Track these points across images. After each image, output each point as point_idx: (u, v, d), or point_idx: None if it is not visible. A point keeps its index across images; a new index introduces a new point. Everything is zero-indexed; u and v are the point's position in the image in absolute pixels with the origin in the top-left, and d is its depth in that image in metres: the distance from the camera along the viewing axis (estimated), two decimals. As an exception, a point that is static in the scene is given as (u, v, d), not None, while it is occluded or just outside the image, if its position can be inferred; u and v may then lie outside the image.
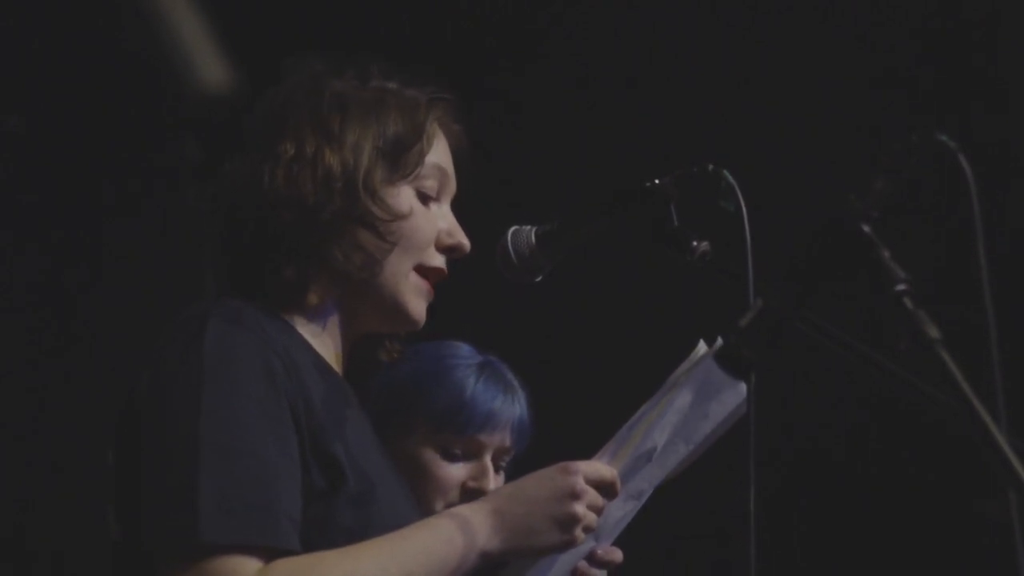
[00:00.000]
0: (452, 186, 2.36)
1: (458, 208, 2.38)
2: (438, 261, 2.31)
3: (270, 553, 2.02)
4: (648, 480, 2.32)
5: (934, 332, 1.78)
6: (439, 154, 2.33)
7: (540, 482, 2.19)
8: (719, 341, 2.28)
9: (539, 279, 2.37)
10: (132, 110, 3.61)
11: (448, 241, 2.32)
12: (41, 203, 3.80)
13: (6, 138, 3.71)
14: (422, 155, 2.30)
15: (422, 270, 2.30)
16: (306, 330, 2.25)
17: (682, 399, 2.31)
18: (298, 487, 2.07)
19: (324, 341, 2.27)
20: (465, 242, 2.34)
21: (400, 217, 2.25)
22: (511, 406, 2.83)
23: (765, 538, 2.13)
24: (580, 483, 2.18)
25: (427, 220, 2.30)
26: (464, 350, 2.88)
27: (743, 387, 2.29)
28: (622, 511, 2.33)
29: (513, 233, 2.36)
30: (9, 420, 3.83)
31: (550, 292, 2.44)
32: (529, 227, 2.36)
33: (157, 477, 2.05)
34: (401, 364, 2.85)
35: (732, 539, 2.14)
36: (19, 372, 3.85)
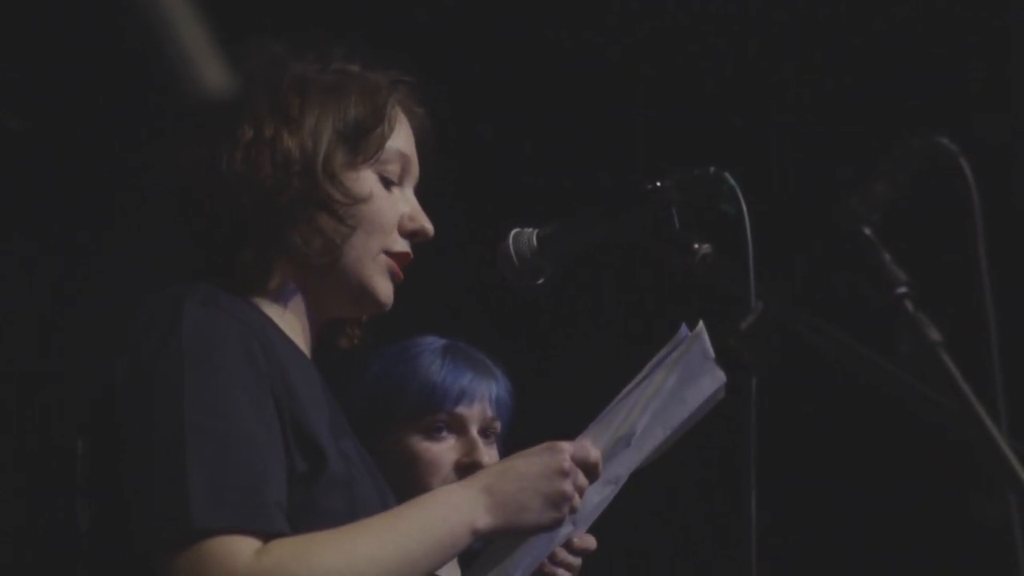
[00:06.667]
0: (415, 171, 2.34)
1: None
2: (402, 246, 2.29)
3: (264, 536, 2.01)
4: (625, 465, 2.32)
5: (935, 335, 1.78)
6: (401, 138, 2.32)
7: (529, 460, 2.19)
8: (700, 325, 2.30)
9: (540, 282, 2.37)
10: (132, 109, 3.62)
11: (410, 226, 2.30)
12: (41, 202, 3.80)
13: (7, 137, 3.71)
14: (383, 139, 2.28)
15: (388, 254, 2.28)
16: (273, 312, 2.23)
17: (664, 384, 2.31)
18: (284, 471, 2.06)
19: (292, 324, 2.26)
20: (428, 226, 2.32)
21: (360, 200, 2.24)
22: (484, 378, 2.84)
23: (761, 539, 2.13)
24: (568, 461, 2.18)
25: (389, 204, 2.29)
26: (427, 339, 2.90)
27: (720, 373, 2.30)
28: (600, 496, 2.32)
29: (515, 235, 2.35)
30: (8, 423, 3.83)
31: (546, 285, 2.43)
32: (531, 229, 2.35)
33: (144, 466, 2.03)
34: (370, 366, 2.87)
35: (732, 539, 2.15)
36: (18, 373, 3.84)
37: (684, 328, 2.32)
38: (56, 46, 3.68)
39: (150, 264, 3.08)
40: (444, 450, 2.80)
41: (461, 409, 2.80)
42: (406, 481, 2.76)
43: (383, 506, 2.18)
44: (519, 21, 4.26)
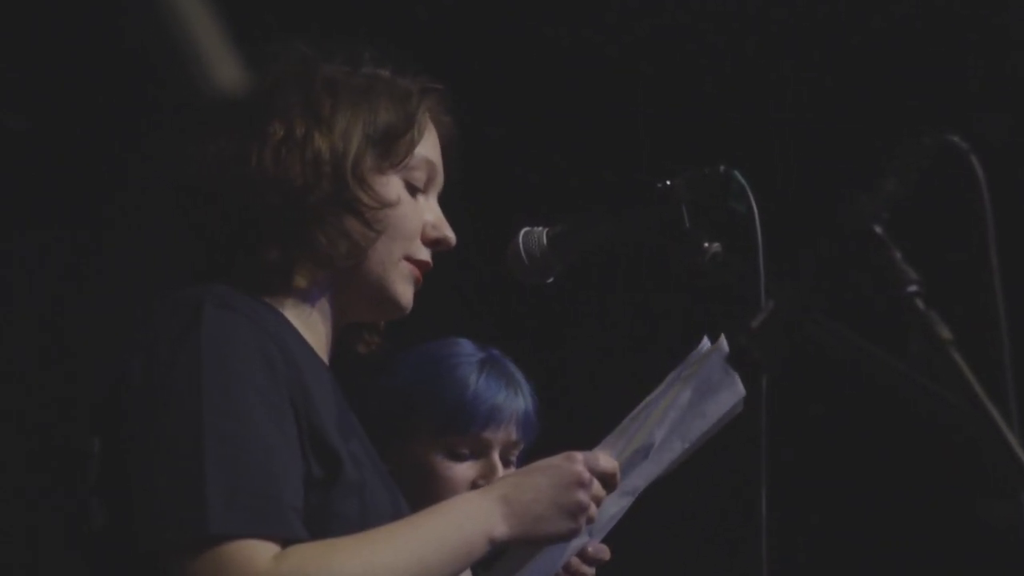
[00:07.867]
0: (440, 179, 2.34)
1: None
2: (424, 254, 2.29)
3: (281, 542, 2.00)
4: (643, 477, 2.32)
5: (945, 333, 1.78)
6: (428, 146, 2.31)
7: (546, 470, 2.18)
8: (722, 338, 2.28)
9: (550, 280, 2.37)
10: (133, 108, 3.62)
11: (433, 234, 2.30)
12: (41, 202, 3.79)
13: (7, 137, 3.70)
14: (412, 145, 2.27)
15: (410, 261, 2.28)
16: (293, 314, 2.22)
17: (683, 396, 2.30)
18: (300, 476, 2.05)
19: (312, 326, 2.24)
20: (451, 235, 2.31)
21: (388, 205, 2.23)
22: (514, 399, 2.81)
23: (772, 539, 2.13)
24: (585, 472, 2.17)
25: (414, 211, 2.28)
26: (465, 347, 2.85)
27: (740, 387, 2.29)
28: (616, 506, 2.32)
29: (524, 234, 2.35)
30: (8, 423, 3.82)
31: (556, 285, 2.42)
32: (541, 228, 2.35)
33: (159, 468, 2.02)
34: (402, 366, 2.84)
35: (741, 540, 2.14)
36: (18, 373, 3.83)
37: (705, 340, 2.31)
38: (56, 46, 3.67)
39: (152, 264, 3.08)
40: (463, 470, 2.78)
41: (487, 434, 2.78)
42: (418, 491, 2.73)
43: (394, 509, 2.17)
44: (518, 20, 4.26)
